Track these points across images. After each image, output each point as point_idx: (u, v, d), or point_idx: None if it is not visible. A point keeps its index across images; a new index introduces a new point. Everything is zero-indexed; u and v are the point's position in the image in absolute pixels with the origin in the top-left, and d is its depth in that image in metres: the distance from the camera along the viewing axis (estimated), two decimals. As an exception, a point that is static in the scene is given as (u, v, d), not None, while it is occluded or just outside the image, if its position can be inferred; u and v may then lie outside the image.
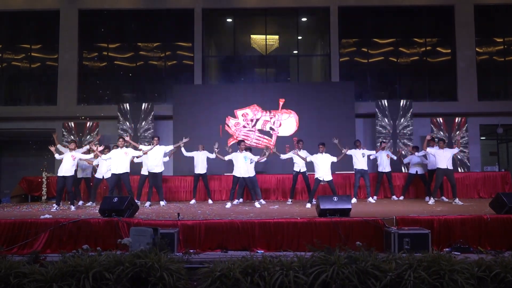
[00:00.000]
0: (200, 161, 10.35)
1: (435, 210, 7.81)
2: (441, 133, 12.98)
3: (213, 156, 10.15)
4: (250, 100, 13.04)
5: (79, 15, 14.18)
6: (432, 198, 9.55)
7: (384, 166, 10.77)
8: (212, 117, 12.91)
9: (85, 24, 14.29)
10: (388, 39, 14.40)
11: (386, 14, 14.30)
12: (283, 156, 10.08)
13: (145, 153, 9.31)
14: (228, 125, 12.93)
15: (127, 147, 9.27)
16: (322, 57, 15.13)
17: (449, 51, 14.26)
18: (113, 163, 9.07)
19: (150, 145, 9.93)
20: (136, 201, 8.27)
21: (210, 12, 14.43)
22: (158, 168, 9.66)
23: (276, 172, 11.61)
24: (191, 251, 5.92)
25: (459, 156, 12.66)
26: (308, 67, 15.86)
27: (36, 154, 13.02)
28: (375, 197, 10.54)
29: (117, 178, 9.06)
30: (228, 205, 9.10)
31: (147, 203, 9.61)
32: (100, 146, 9.41)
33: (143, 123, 13.11)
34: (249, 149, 10.12)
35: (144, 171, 10.01)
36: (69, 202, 9.24)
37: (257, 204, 9.24)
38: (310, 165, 9.68)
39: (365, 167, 10.17)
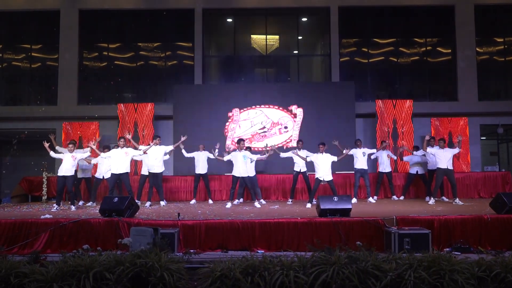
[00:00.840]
0: (201, 161, 10.35)
1: (436, 210, 7.81)
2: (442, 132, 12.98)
3: (213, 156, 10.17)
4: (250, 100, 13.04)
5: (80, 15, 14.19)
6: (432, 198, 9.55)
7: (385, 166, 10.77)
8: (213, 117, 12.91)
9: (86, 24, 14.29)
10: (388, 39, 14.40)
11: (386, 14, 14.31)
12: (282, 155, 10.08)
13: (144, 152, 9.30)
14: (228, 126, 12.94)
15: (127, 147, 9.27)
16: (323, 57, 15.13)
17: (450, 51, 14.26)
18: (113, 163, 9.07)
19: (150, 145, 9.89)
20: (136, 201, 8.27)
21: (211, 12, 14.44)
22: (158, 168, 9.66)
23: (276, 172, 11.61)
24: (192, 251, 5.92)
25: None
26: (309, 67, 15.86)
27: (36, 154, 13.00)
28: (375, 197, 10.54)
29: (117, 178, 9.06)
30: (228, 205, 9.09)
31: (148, 203, 9.61)
32: (97, 142, 9.37)
33: (143, 123, 13.11)
34: (248, 148, 10.12)
35: (144, 171, 10.02)
36: (70, 202, 9.24)
37: (256, 204, 9.23)
38: (310, 165, 9.68)
39: (365, 167, 10.17)
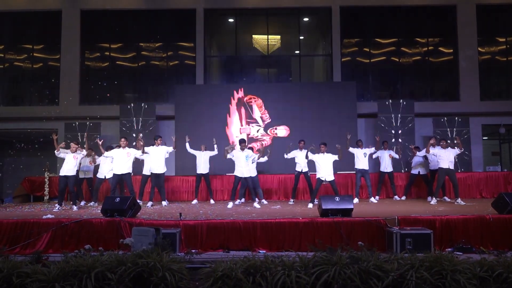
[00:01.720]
0: (203, 161, 10.36)
1: (437, 210, 7.80)
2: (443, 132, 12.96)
3: (215, 152, 10.20)
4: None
5: (81, 15, 14.21)
6: (434, 198, 9.54)
7: (386, 166, 10.75)
8: (214, 117, 12.92)
9: (87, 24, 14.32)
10: (390, 39, 14.39)
11: (388, 14, 14.29)
12: (287, 156, 10.07)
13: (144, 152, 9.30)
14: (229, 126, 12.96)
15: (129, 147, 9.28)
16: (324, 57, 15.12)
17: (451, 51, 14.24)
18: (115, 163, 9.07)
19: (153, 145, 9.88)
20: (138, 201, 8.27)
21: (212, 12, 14.45)
22: (160, 168, 9.66)
23: (278, 172, 11.61)
24: (193, 251, 5.92)
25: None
26: (310, 67, 15.86)
27: (38, 154, 13.04)
28: (377, 197, 10.54)
29: (118, 179, 9.07)
30: (230, 205, 9.09)
31: (149, 203, 9.61)
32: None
33: (145, 123, 13.11)
34: (250, 148, 10.12)
35: (145, 171, 10.02)
36: (71, 202, 9.26)
37: (256, 205, 9.19)
38: (312, 165, 9.68)
39: (366, 167, 10.17)
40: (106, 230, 6.28)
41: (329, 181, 9.25)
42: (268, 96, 13.09)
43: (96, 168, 10.39)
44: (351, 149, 10.14)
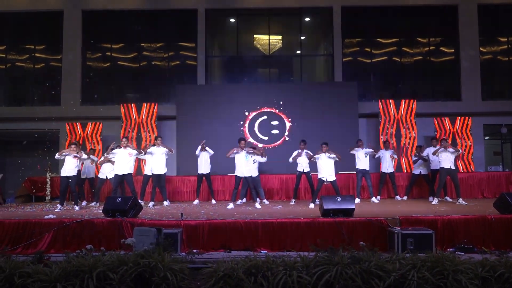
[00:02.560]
0: (204, 161, 10.36)
1: (439, 210, 7.79)
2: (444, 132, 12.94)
3: (211, 152, 10.17)
4: (253, 100, 13.04)
5: (83, 15, 14.22)
6: (435, 198, 9.53)
7: (387, 166, 10.74)
8: (215, 117, 12.91)
9: (89, 24, 14.33)
10: (391, 39, 14.37)
11: (389, 14, 14.27)
12: (291, 159, 10.04)
13: (145, 152, 9.31)
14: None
15: (130, 147, 9.28)
16: (326, 57, 15.11)
17: (453, 50, 14.22)
18: (117, 164, 9.08)
19: (154, 146, 9.88)
20: (140, 201, 8.28)
21: (213, 12, 14.44)
22: (161, 169, 9.67)
23: (279, 172, 11.60)
24: (195, 251, 5.91)
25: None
26: (312, 67, 15.84)
27: (40, 155, 13.05)
28: (378, 197, 10.53)
29: (120, 179, 9.07)
30: (231, 205, 9.08)
31: (151, 203, 9.62)
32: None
33: (147, 124, 13.12)
34: (252, 148, 10.11)
35: (147, 171, 10.03)
36: (73, 202, 9.27)
37: (257, 205, 9.19)
38: (313, 165, 9.67)
39: (367, 167, 10.17)
40: (107, 230, 6.29)
41: (331, 181, 9.25)
42: (269, 96, 13.08)
43: (97, 167, 10.41)
44: (352, 151, 10.16)
